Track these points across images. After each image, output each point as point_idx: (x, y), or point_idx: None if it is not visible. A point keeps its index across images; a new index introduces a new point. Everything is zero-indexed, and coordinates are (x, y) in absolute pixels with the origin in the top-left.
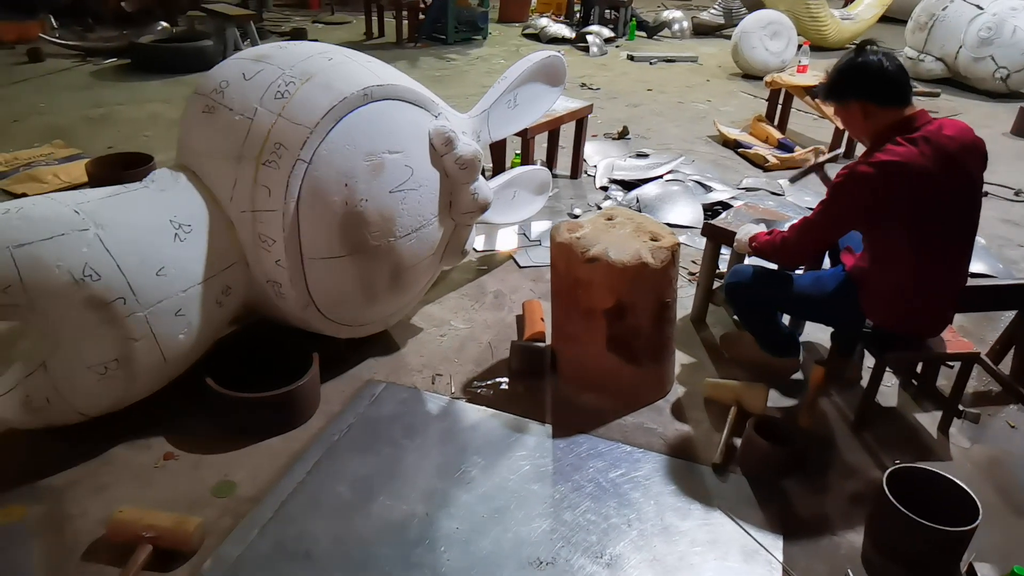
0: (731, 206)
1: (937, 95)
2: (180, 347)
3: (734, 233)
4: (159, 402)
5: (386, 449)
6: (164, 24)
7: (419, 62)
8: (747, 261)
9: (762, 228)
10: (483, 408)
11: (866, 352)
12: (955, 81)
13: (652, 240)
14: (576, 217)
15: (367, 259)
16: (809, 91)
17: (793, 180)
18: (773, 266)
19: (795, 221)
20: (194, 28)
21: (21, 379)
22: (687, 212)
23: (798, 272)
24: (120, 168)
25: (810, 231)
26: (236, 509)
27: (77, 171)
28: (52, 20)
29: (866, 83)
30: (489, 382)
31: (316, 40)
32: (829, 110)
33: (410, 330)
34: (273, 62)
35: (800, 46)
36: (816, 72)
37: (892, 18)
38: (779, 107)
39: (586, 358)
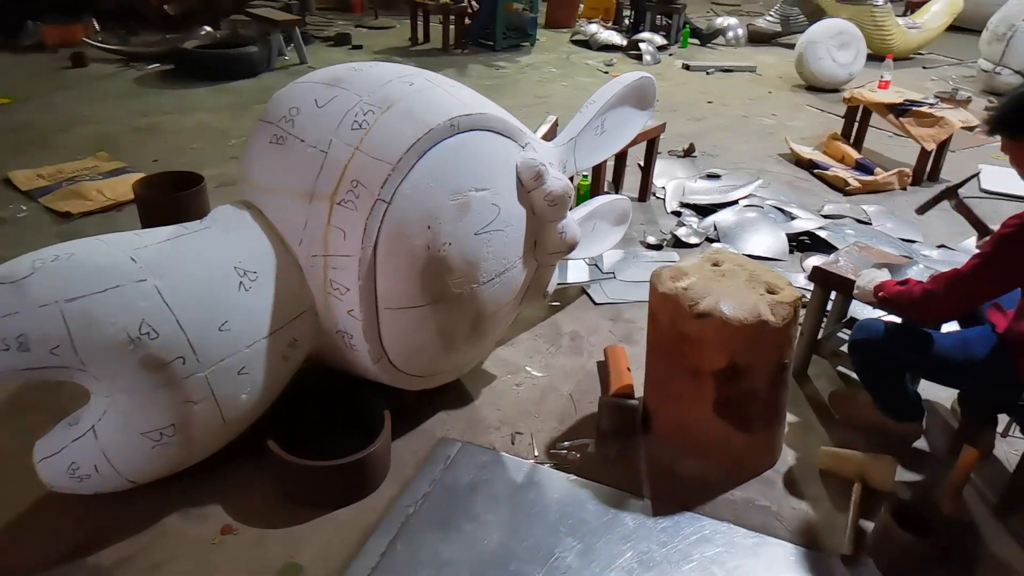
0: (818, 236)
1: None
2: (242, 408)
3: (849, 280)
4: (216, 463)
5: (467, 526)
6: (208, 29)
7: (468, 70)
8: (862, 311)
9: (886, 275)
10: (572, 476)
11: (1000, 419)
12: None
13: (769, 292)
14: (650, 246)
15: (448, 308)
16: (892, 108)
17: (922, 210)
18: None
19: (938, 270)
20: (237, 33)
21: (68, 443)
22: (769, 242)
23: (939, 330)
24: (169, 189)
25: (965, 286)
26: None
27: (123, 187)
28: (95, 23)
29: None
30: (575, 443)
31: (360, 46)
32: (918, 130)
33: (483, 378)
34: (349, 87)
35: (883, 59)
36: (899, 88)
37: (961, 27)
38: (855, 124)
39: (688, 420)
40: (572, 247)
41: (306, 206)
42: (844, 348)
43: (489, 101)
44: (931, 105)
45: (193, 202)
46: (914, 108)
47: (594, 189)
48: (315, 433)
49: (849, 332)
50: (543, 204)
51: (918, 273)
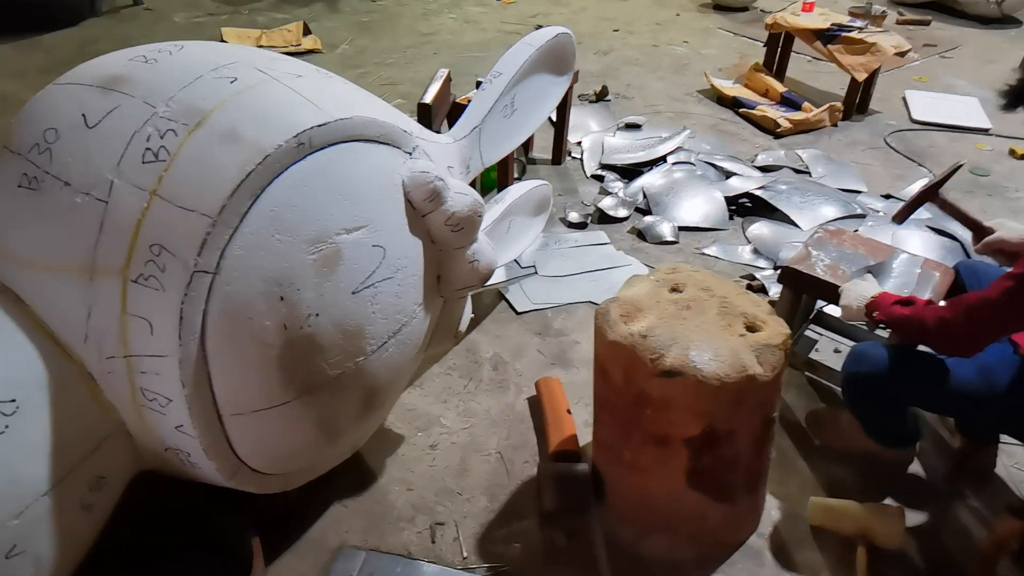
0: (759, 197)
1: (928, 23)
2: None
3: (828, 284)
4: None
5: None
6: None
7: (339, 5)
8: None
9: (875, 286)
10: None
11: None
12: (943, 5)
13: (750, 330)
14: (572, 224)
15: (326, 396)
16: (819, 35)
17: (900, 218)
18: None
19: (924, 258)
20: None
21: None
22: (705, 208)
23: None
24: None
25: (993, 316)
26: None
27: None
28: None
29: None
30: (513, 528)
31: None
32: (849, 59)
33: (387, 442)
34: (135, 91)
35: None
36: (822, 10)
37: None
38: (778, 52)
39: (654, 494)
40: (487, 277)
41: (86, 286)
42: (813, 355)
43: (357, 90)
44: (860, 30)
45: None
46: (843, 34)
47: (502, 164)
48: (156, 565)
49: (816, 329)
50: (444, 230)
51: (905, 265)
